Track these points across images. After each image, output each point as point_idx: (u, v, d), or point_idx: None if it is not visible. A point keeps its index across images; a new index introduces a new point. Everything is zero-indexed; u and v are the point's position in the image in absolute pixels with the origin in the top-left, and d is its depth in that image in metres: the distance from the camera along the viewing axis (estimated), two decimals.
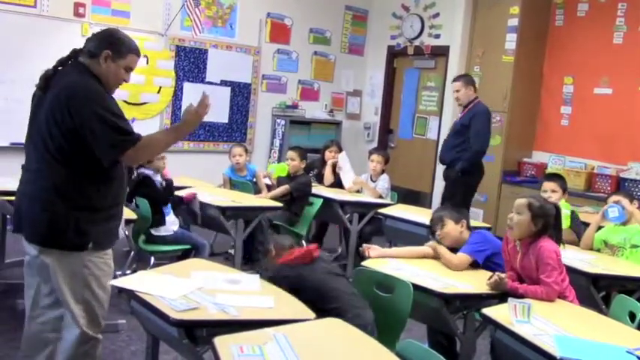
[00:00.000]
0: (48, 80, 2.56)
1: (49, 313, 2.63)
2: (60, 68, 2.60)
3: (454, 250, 3.43)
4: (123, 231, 2.84)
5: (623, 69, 6.45)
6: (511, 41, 6.87)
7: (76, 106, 2.44)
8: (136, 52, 2.70)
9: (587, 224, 4.32)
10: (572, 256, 3.69)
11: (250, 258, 5.19)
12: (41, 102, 2.55)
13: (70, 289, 2.54)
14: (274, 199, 5.19)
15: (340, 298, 2.85)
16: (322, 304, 2.72)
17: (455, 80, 5.79)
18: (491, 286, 3.01)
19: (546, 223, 3.09)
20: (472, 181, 5.75)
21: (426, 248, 3.50)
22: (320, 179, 6.00)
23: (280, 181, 5.58)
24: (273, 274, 2.93)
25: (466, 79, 5.76)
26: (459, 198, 5.77)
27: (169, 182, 4.63)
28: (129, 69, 2.68)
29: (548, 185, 4.36)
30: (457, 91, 5.67)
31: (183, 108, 6.72)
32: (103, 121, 2.44)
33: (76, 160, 2.48)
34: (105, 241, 2.62)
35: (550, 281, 2.94)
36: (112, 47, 2.60)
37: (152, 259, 4.53)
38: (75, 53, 2.63)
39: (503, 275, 3.03)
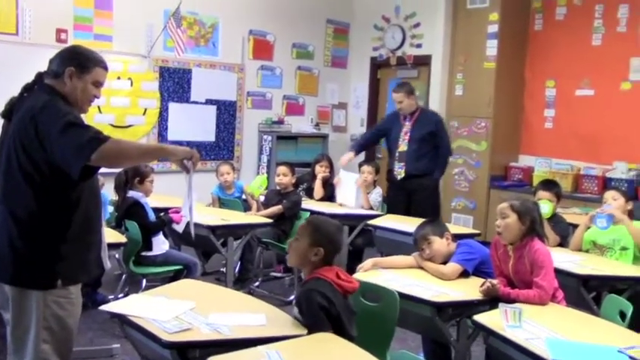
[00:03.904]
0: (13, 107, 2.47)
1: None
2: (25, 94, 2.50)
3: (443, 264, 3.42)
4: (108, 259, 2.73)
5: (603, 70, 6.54)
6: (492, 47, 6.95)
7: (40, 123, 2.31)
8: (102, 64, 2.54)
9: (575, 225, 4.35)
10: (562, 258, 3.71)
11: (240, 277, 5.18)
12: (7, 130, 2.45)
13: (29, 328, 2.40)
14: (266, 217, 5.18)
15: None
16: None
17: (396, 91, 5.80)
18: (483, 293, 3.02)
19: (533, 219, 3.13)
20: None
21: (412, 259, 3.51)
22: (310, 193, 6.01)
23: (270, 197, 5.58)
24: (314, 286, 2.55)
25: (407, 88, 5.79)
26: (438, 207, 5.92)
27: (166, 221, 4.56)
28: (97, 83, 2.53)
29: (543, 195, 4.27)
30: (400, 102, 5.73)
31: (169, 128, 6.84)
32: (66, 125, 2.26)
33: (44, 186, 2.36)
34: (78, 274, 2.49)
35: (544, 284, 2.97)
36: (75, 63, 2.47)
37: (144, 282, 4.52)
38: (39, 77, 2.52)
39: (495, 281, 3.05)
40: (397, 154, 5.79)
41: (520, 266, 3.12)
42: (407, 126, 5.79)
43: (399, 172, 5.77)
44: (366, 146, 6.24)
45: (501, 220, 3.14)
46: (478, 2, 7.03)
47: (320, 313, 2.49)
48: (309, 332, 2.46)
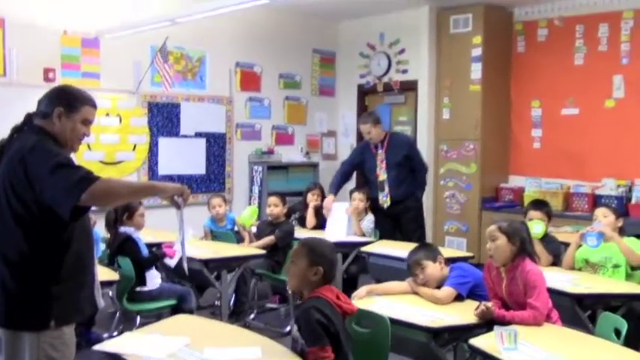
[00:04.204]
0: (3, 148, 2.47)
1: None
2: (15, 136, 2.50)
3: (437, 288, 3.42)
4: (102, 296, 2.70)
5: (586, 89, 6.63)
6: (476, 70, 7.04)
7: (30, 164, 2.32)
8: (90, 102, 2.56)
9: (567, 244, 4.37)
10: (555, 277, 3.72)
11: (235, 310, 5.15)
12: None
13: None
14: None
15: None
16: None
17: (363, 123, 5.83)
18: (478, 316, 3.03)
19: (522, 239, 3.16)
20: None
21: (406, 284, 3.52)
22: (302, 222, 6.01)
23: (262, 228, 5.57)
24: (313, 304, 2.58)
25: (373, 118, 5.84)
26: (423, 228, 5.92)
27: (159, 256, 4.56)
28: (87, 122, 2.54)
29: (534, 214, 4.31)
30: (368, 132, 5.77)
31: (159, 163, 6.85)
32: (56, 166, 2.28)
33: (34, 227, 2.36)
34: (71, 315, 2.47)
35: (538, 305, 2.98)
36: (64, 103, 2.48)
37: (138, 319, 4.48)
38: (29, 117, 2.53)
39: (489, 304, 3.06)
40: (378, 184, 5.82)
41: (513, 288, 3.12)
42: (380, 154, 5.82)
43: (385, 200, 5.78)
44: (343, 184, 6.08)
45: (491, 243, 3.17)
46: (461, 27, 7.14)
47: (318, 327, 2.50)
48: (308, 348, 2.46)
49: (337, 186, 5.98)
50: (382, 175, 5.79)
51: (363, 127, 5.83)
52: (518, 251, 3.13)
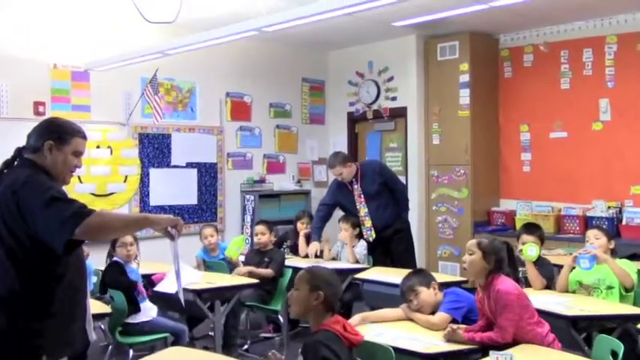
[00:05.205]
0: None
1: None
2: (5, 171, 2.50)
3: (432, 313, 3.42)
4: (94, 330, 2.67)
5: (574, 112, 6.71)
6: (465, 96, 7.11)
7: (23, 198, 2.31)
8: (80, 134, 2.58)
9: (560, 266, 4.37)
10: (549, 300, 3.72)
11: (226, 343, 5.08)
12: None
13: None
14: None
15: None
16: None
17: (332, 167, 5.77)
18: (446, 337, 3.04)
19: (499, 259, 3.16)
20: None
21: (400, 311, 3.51)
22: (294, 250, 5.99)
23: (250, 257, 5.55)
24: (321, 338, 2.60)
25: (340, 158, 5.75)
26: (412, 247, 5.89)
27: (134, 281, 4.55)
28: (77, 153, 2.55)
29: (527, 238, 4.31)
30: (340, 174, 5.71)
31: (151, 194, 6.84)
32: (49, 200, 2.28)
33: (26, 263, 2.34)
34: (63, 349, 2.44)
35: (505, 324, 3.00)
36: (54, 136, 2.49)
37: (130, 352, 4.43)
38: (19, 152, 2.53)
39: (455, 326, 3.07)
40: (360, 218, 5.76)
41: (490, 305, 3.14)
42: (357, 189, 5.77)
43: (369, 234, 5.72)
44: (324, 226, 5.92)
45: (467, 256, 3.19)
46: (448, 54, 7.23)
47: None
48: None
49: (319, 230, 5.84)
50: (363, 208, 5.73)
51: (334, 170, 5.74)
52: (492, 270, 3.14)
